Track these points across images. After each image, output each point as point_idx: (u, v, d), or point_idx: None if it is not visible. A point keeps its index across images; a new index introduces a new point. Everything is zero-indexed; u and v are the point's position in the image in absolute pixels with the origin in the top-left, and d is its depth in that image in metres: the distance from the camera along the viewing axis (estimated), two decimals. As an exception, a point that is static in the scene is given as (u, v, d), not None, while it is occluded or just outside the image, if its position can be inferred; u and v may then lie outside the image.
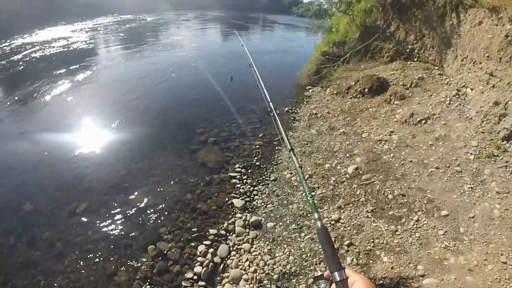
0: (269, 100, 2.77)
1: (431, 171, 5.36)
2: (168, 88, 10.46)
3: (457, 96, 7.12)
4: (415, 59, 9.61)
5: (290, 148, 2.03)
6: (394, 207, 4.75)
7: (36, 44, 15.39)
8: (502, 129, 5.68)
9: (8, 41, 15.56)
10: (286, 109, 8.78)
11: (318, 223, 1.35)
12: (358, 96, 8.78)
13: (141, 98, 9.45)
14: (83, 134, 7.41)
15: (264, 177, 5.99)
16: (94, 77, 11.09)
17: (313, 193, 5.28)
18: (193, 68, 12.76)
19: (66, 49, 15.05)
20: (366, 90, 8.64)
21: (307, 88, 10.32)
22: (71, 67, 11.83)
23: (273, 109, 2.66)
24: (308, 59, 12.63)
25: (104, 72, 11.93)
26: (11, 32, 16.43)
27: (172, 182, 5.85)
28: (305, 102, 9.28)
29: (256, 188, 5.69)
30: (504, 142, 5.57)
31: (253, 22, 37.11)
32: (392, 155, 5.99)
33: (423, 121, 6.76)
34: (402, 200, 4.84)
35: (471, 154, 5.51)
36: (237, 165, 6.28)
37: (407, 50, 9.99)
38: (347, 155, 6.25)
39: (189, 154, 6.78)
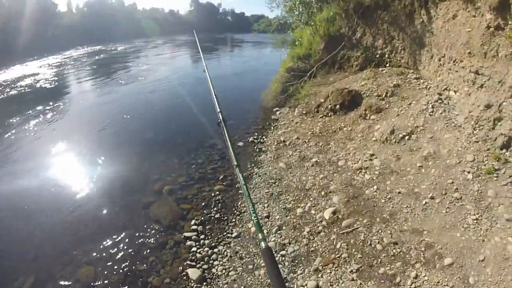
0: (219, 110, 2.52)
1: (425, 203, 4.35)
2: (122, 129, 9.40)
3: (439, 101, 6.21)
4: (387, 65, 8.75)
5: (236, 163, 1.93)
6: (385, 262, 3.71)
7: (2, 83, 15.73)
8: (499, 135, 4.70)
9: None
10: (250, 139, 7.76)
11: (263, 244, 1.34)
12: (329, 114, 7.79)
13: (93, 145, 8.42)
14: (25, 189, 6.42)
15: (225, 233, 4.88)
16: (36, 128, 9.93)
17: (283, 252, 4.24)
18: (151, 103, 11.81)
19: (31, 88, 14.98)
20: (338, 106, 7.68)
21: (274, 110, 9.33)
22: (23, 112, 11.21)
23: (222, 119, 2.41)
24: (274, 77, 11.72)
25: (58, 115, 11.06)
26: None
27: (122, 248, 4.88)
28: (272, 128, 8.25)
29: (215, 250, 4.60)
30: (503, 150, 4.59)
31: (221, 43, 38.35)
32: (375, 187, 4.96)
33: (407, 137, 5.79)
34: (394, 251, 3.81)
35: (469, 172, 4.51)
36: (193, 221, 5.18)
37: (377, 55, 9.16)
38: (322, 193, 5.18)
39: (141, 210, 5.74)
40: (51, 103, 12.27)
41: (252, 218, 1.49)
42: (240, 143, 7.65)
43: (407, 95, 7.04)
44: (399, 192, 4.70)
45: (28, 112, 11.20)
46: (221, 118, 2.40)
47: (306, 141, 6.99)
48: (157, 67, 19.15)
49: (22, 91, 14.57)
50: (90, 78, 17.11)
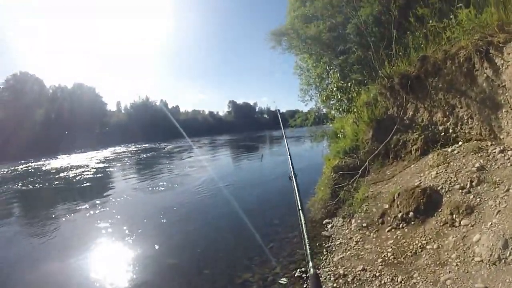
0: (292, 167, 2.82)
1: None
2: (145, 249, 7.90)
3: (545, 182, 4.26)
4: (459, 142, 6.85)
5: (299, 207, 2.06)
6: None
7: (51, 170, 18.69)
8: None
9: (21, 166, 20.10)
10: (297, 272, 5.59)
11: (311, 270, 1.46)
12: (400, 225, 5.65)
13: (105, 259, 7.56)
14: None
15: None
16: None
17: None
18: (184, 218, 10.38)
19: (72, 180, 16.83)
20: (411, 214, 5.61)
21: (324, 222, 7.28)
22: (59, 203, 12.70)
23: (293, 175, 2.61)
24: (319, 179, 9.97)
25: (85, 214, 11.50)
26: (25, 157, 19.61)
27: None
28: (324, 251, 6.03)
29: None
30: None
31: (261, 141, 43.30)
32: None
33: (526, 250, 3.72)
34: None
35: None
36: None
37: (440, 133, 7.34)
38: None
39: None
40: (88, 199, 13.10)
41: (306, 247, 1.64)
42: (283, 280, 5.50)
43: (499, 178, 5.11)
44: None
45: (61, 206, 12.18)
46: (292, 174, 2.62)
47: (377, 274, 4.73)
48: (198, 173, 18.80)
49: (67, 181, 16.51)
50: (134, 177, 18.32)
